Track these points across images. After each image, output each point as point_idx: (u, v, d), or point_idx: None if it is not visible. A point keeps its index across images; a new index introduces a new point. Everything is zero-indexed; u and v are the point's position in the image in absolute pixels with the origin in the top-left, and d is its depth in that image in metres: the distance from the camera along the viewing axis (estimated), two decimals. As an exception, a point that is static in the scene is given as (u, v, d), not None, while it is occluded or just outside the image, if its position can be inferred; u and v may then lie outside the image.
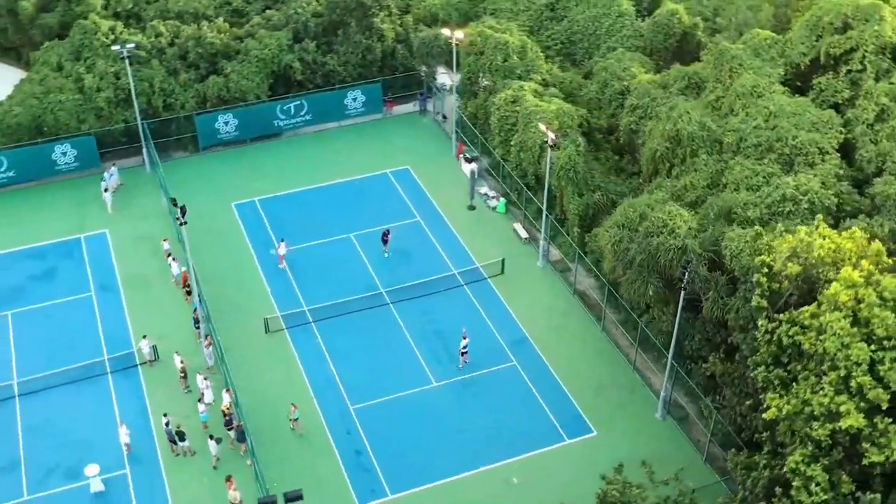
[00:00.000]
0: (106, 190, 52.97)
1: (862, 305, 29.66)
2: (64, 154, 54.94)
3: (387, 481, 38.74)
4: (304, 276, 49.03)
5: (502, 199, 53.62)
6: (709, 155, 46.57)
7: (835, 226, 40.25)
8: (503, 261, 48.82)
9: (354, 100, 60.23)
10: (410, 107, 62.52)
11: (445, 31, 56.96)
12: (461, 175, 55.72)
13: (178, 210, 40.33)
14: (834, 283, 30.17)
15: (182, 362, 42.40)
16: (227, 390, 40.78)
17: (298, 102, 58.83)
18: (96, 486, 38.01)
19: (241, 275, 49.07)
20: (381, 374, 43.42)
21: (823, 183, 41.53)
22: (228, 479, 37.36)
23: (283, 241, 49.77)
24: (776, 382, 32.62)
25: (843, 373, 29.17)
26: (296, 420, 40.47)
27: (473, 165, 55.04)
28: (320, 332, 45.69)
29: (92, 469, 37.90)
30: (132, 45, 53.00)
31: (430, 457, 39.68)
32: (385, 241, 49.92)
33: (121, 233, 51.43)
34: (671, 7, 57.90)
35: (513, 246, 50.98)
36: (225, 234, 51.80)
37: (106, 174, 54.22)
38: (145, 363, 43.56)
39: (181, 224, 40.66)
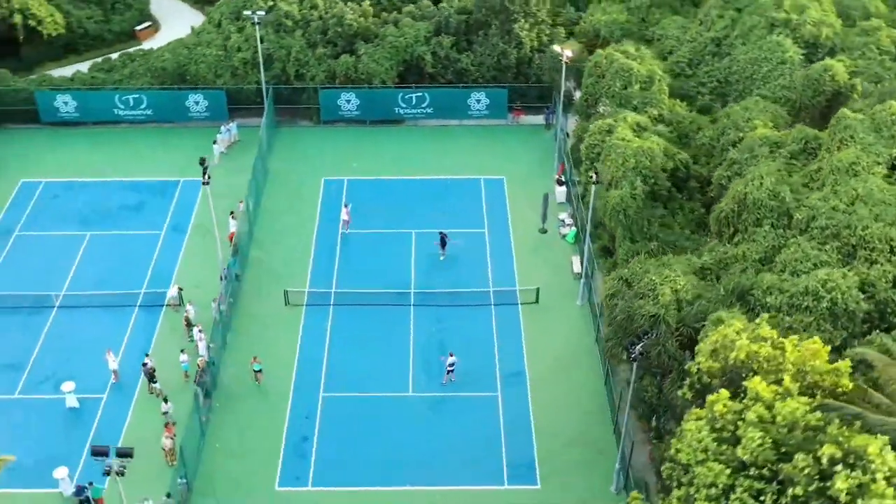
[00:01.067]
0: (215, 142, 56.71)
1: (740, 423, 25.86)
2: (196, 103, 59.52)
3: (314, 473, 39.03)
4: (349, 259, 50.01)
5: (574, 229, 51.32)
6: (773, 228, 42.00)
7: (864, 334, 35.23)
8: (538, 290, 46.92)
9: (478, 101, 59.94)
10: (540, 119, 61.09)
11: (556, 48, 55.25)
12: (551, 196, 53.93)
13: (202, 169, 42.57)
14: (715, 394, 26.50)
15: (187, 312, 44.92)
16: (209, 347, 42.79)
17: (420, 94, 59.52)
18: (71, 401, 41.48)
19: (292, 246, 50.87)
20: (366, 370, 43.53)
21: (865, 285, 36.19)
22: (167, 426, 39.42)
23: (347, 205, 51.53)
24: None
25: (690, 491, 25.68)
26: (258, 372, 42.00)
27: (561, 189, 53.12)
28: (334, 316, 46.51)
29: (68, 385, 41.43)
30: (263, 12, 56.16)
31: (370, 462, 39.39)
32: (443, 245, 49.64)
33: (214, 184, 54.68)
34: (828, 63, 52.17)
35: (563, 278, 48.78)
36: (300, 205, 53.82)
37: (223, 128, 58.06)
38: (170, 306, 46.53)
39: (204, 184, 42.93)
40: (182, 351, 42.92)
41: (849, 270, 37.06)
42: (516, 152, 58.22)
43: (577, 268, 49.02)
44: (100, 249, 50.55)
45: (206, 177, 42.79)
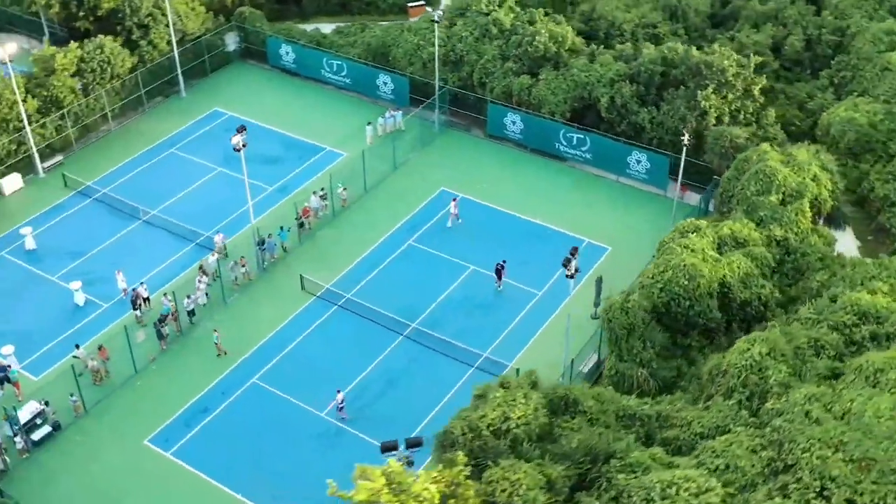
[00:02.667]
0: (369, 123, 58.21)
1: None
2: (385, 84, 61.43)
3: (184, 444, 40.21)
4: (391, 269, 49.22)
5: (617, 325, 45.03)
6: (739, 406, 33.78)
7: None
8: (527, 372, 42.26)
9: (638, 162, 54.25)
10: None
11: (732, 130, 47.73)
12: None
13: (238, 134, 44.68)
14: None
15: (204, 261, 47.80)
16: (188, 297, 45.44)
17: (582, 136, 55.39)
18: (78, 298, 46.89)
19: (357, 239, 51.21)
20: (309, 377, 43.22)
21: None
22: (100, 348, 43.00)
23: (455, 199, 51.70)
24: None
25: None
26: (217, 344, 44.02)
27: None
28: (331, 316, 46.51)
29: (76, 284, 46.83)
30: (440, 12, 56.00)
31: (237, 462, 39.51)
32: (499, 275, 47.08)
33: (349, 160, 56.59)
34: None
35: (569, 374, 43.38)
36: (399, 205, 53.65)
37: (387, 114, 59.39)
38: (213, 251, 49.66)
39: (236, 150, 45.01)
40: (188, 296, 45.84)
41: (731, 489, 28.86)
42: (647, 226, 51.88)
43: (589, 365, 43.30)
44: (214, 185, 55.27)
45: (239, 143, 44.64)
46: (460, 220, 51.75)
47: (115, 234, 51.58)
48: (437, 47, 57.63)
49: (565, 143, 56.18)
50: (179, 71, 62.56)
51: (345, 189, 53.33)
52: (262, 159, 57.34)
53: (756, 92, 53.61)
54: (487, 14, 59.84)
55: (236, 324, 46.08)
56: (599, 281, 46.00)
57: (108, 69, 58.55)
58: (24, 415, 39.78)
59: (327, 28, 68.11)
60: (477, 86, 59.31)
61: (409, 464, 30.97)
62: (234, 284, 48.10)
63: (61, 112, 56.69)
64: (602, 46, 58.73)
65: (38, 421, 40.26)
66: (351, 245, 50.90)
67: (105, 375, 42.93)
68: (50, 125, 56.39)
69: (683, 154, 49.34)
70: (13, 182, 54.60)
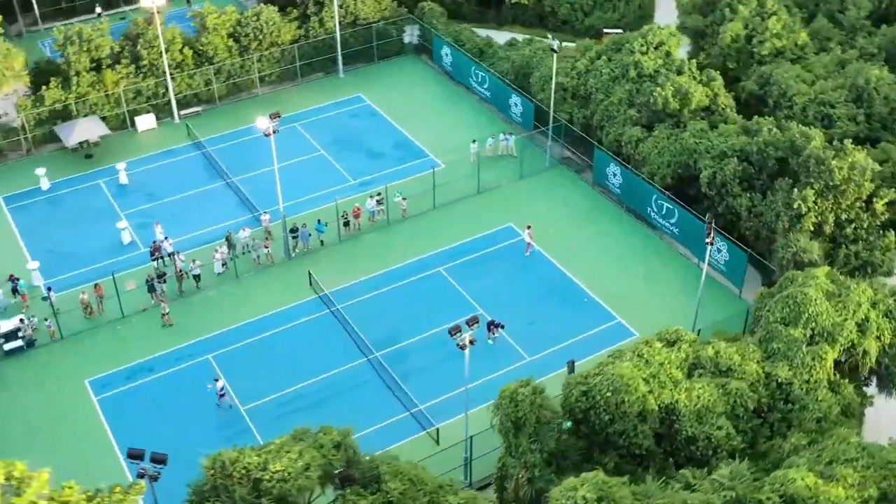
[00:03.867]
0: (474, 141, 56.12)
1: None
2: (515, 105, 58.96)
3: (114, 395, 42.41)
4: (401, 292, 47.70)
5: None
6: None
7: None
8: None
9: (719, 251, 47.43)
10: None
11: (807, 242, 40.46)
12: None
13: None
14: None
15: (232, 233, 49.52)
16: (193, 261, 47.43)
17: (671, 207, 49.43)
18: (124, 237, 50.92)
19: (391, 251, 50.12)
20: (262, 368, 43.50)
21: None
22: (96, 285, 46.22)
23: (529, 227, 49.50)
24: None
25: None
26: (165, 315, 45.70)
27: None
28: (319, 319, 46.21)
29: (122, 223, 50.98)
30: (556, 42, 52.33)
31: (138, 417, 41.22)
32: (489, 328, 44.09)
33: (440, 172, 54.98)
34: None
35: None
36: (456, 229, 51.65)
37: (502, 136, 56.96)
38: (244, 228, 50.94)
39: (267, 135, 45.65)
40: (193, 260, 47.98)
41: None
42: (705, 328, 45.12)
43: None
44: (307, 166, 56.77)
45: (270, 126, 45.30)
46: (529, 253, 49.32)
47: (196, 189, 54.80)
48: (553, 78, 54.05)
49: (656, 210, 50.48)
50: (339, 52, 64.41)
51: (404, 199, 52.21)
52: (368, 152, 57.87)
53: (879, 206, 44.50)
54: (632, 53, 54.96)
55: (230, 300, 47.30)
56: (572, 364, 41.15)
57: (263, 37, 61.74)
58: (5, 325, 43.97)
59: (502, 38, 66.44)
60: (596, 127, 54.94)
61: (154, 479, 30.29)
62: (256, 263, 49.23)
63: (212, 67, 60.92)
64: (767, 116, 51.10)
65: (21, 334, 44.29)
66: (384, 255, 49.93)
67: (97, 311, 46.06)
68: (200, 77, 60.89)
69: (707, 254, 42.38)
70: (148, 121, 59.85)
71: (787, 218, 44.85)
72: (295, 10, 64.40)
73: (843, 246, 44.79)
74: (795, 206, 44.11)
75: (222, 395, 41.28)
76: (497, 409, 34.79)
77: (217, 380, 41.56)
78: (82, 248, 50.50)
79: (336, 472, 30.73)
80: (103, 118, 58.34)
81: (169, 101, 60.24)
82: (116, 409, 41.60)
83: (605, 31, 67.51)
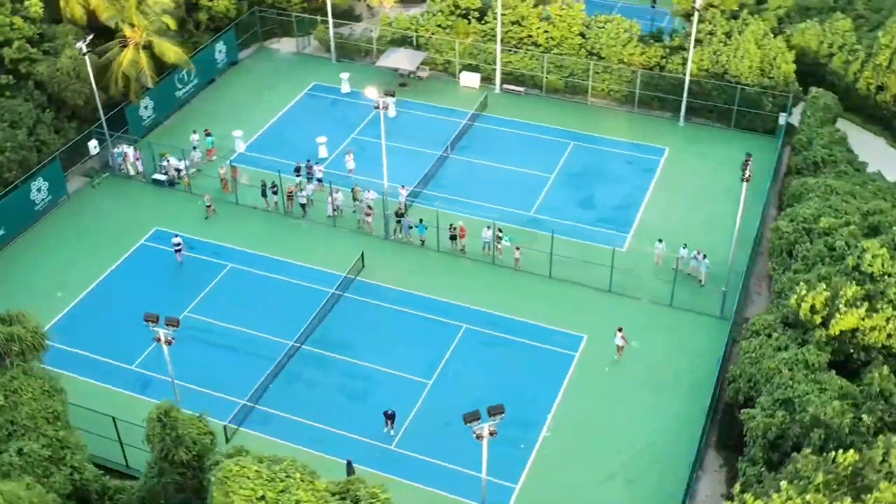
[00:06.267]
0: (660, 240, 45.78)
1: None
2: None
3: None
4: (407, 321, 43.83)
5: None
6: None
7: None
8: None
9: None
10: None
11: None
12: None
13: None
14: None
15: (366, 192, 49.86)
16: (301, 190, 50.15)
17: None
18: (238, 146, 54.93)
19: (460, 288, 45.77)
20: (246, 310, 44.55)
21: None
22: (234, 168, 51.70)
23: (620, 329, 41.54)
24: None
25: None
26: (209, 207, 49.54)
27: None
28: (318, 292, 45.19)
29: (238, 132, 55.34)
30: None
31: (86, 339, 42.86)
32: (390, 420, 38.67)
33: (624, 256, 46.16)
34: None
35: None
36: (549, 311, 44.47)
37: (694, 252, 45.32)
38: (370, 189, 50.13)
39: (376, 108, 44.47)
40: (301, 189, 50.32)
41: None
42: None
43: None
44: (524, 181, 52.98)
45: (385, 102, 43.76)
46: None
47: (419, 148, 54.94)
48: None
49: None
50: (685, 98, 56.00)
51: (517, 248, 46.01)
52: (586, 198, 51.87)
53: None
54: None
55: (280, 241, 48.43)
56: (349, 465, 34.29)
57: (606, 49, 57.47)
58: (168, 164, 52.43)
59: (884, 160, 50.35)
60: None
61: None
62: (357, 225, 49.03)
63: (545, 56, 59.20)
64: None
65: (168, 175, 52.48)
66: (440, 281, 45.92)
67: (231, 188, 51.28)
68: (526, 57, 59.55)
69: None
70: (472, 79, 60.85)
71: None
72: (658, 43, 57.94)
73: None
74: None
75: (178, 250, 45.86)
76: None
77: (176, 236, 46.05)
78: (291, 142, 55.47)
79: None
80: (434, 63, 61.32)
81: (495, 70, 60.20)
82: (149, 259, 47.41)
83: None
